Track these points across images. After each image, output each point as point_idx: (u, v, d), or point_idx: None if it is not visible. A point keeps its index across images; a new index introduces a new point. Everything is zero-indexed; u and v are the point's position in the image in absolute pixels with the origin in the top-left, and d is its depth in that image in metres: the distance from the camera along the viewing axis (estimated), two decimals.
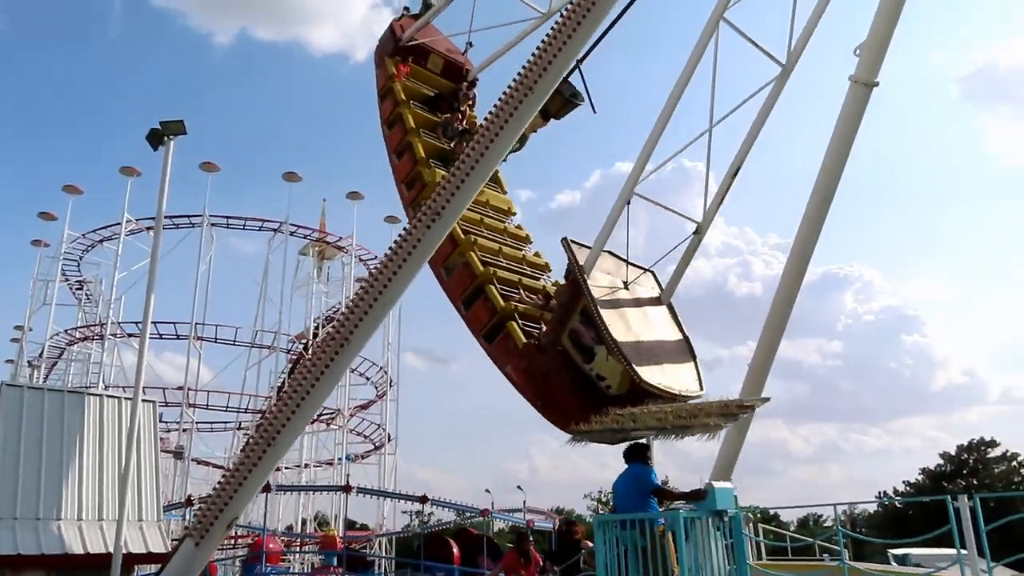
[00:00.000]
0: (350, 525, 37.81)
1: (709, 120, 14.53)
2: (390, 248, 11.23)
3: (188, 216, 35.75)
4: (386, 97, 17.74)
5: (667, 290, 14.26)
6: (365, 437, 40.64)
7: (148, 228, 36.35)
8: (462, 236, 14.92)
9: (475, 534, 21.62)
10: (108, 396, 15.35)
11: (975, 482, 49.58)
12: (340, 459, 36.38)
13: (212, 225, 35.87)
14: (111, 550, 13.40)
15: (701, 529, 8.39)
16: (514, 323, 13.65)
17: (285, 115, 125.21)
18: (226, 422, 38.28)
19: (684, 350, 13.32)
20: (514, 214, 17.46)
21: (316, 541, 26.30)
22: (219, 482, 11.26)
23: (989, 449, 50.96)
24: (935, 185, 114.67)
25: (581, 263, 12.74)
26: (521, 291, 14.81)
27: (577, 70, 14.53)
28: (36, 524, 13.05)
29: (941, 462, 51.51)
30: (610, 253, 13.49)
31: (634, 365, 11.68)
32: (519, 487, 26.66)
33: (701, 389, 12.44)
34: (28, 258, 40.88)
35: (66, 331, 36.74)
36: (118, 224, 35.52)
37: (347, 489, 20.28)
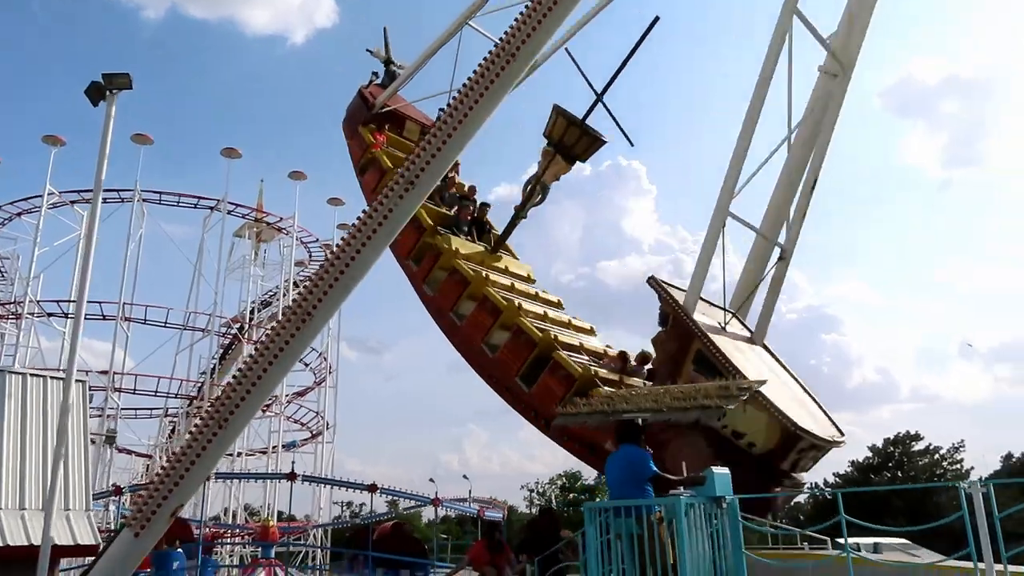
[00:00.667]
0: (277, 516, 36.56)
1: (787, 127, 13.37)
2: (363, 214, 10.33)
3: (118, 190, 33.65)
4: (368, 168, 16.41)
5: (759, 329, 12.92)
6: (302, 425, 39.24)
7: (72, 202, 34.21)
8: (504, 303, 13.33)
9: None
10: (32, 374, 13.96)
11: (899, 474, 51.34)
12: (275, 447, 35.00)
13: (144, 200, 33.90)
14: (35, 542, 12.17)
15: (697, 517, 7.96)
16: (600, 391, 11.50)
17: (220, 95, 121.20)
18: (152, 408, 36.37)
19: (803, 393, 12.17)
20: (534, 281, 16.28)
21: (250, 532, 24.99)
22: (162, 468, 10.19)
23: (913, 443, 52.81)
24: (860, 192, 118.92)
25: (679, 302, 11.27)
26: (585, 354, 13.21)
27: (600, 103, 13.82)
28: None
29: (869, 454, 53.12)
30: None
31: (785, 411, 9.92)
32: (465, 476, 25.92)
33: (842, 435, 11.26)
34: None
35: None
36: (39, 196, 33.22)
37: (292, 477, 19.17)
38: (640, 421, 8.46)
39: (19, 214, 35.03)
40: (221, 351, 38.50)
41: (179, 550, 15.20)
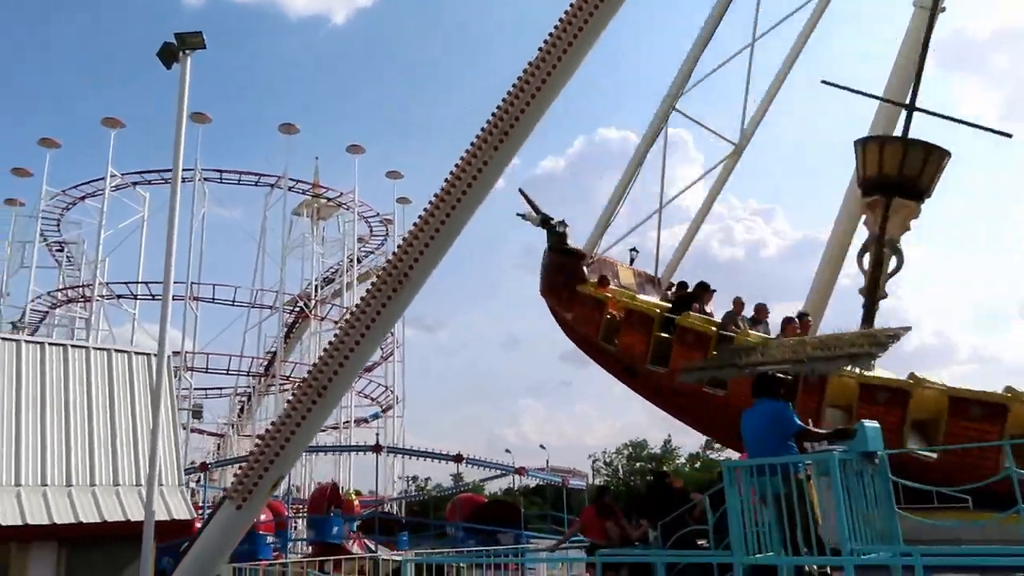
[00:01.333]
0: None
1: (753, 32, 15.16)
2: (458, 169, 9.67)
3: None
4: (623, 328, 12.72)
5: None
6: (373, 400, 39.28)
7: (134, 183, 34.43)
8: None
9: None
10: (117, 351, 13.77)
11: None
12: (347, 422, 35.12)
13: (204, 180, 33.96)
14: (131, 517, 11.99)
15: (849, 473, 7.20)
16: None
17: (269, 75, 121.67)
18: (222, 388, 36.75)
19: None
20: None
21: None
22: (260, 440, 9.83)
23: None
24: None
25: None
26: None
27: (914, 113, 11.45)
28: (43, 491, 11.57)
29: None
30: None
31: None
32: (542, 446, 25.39)
33: None
34: (3, 218, 38.76)
35: (48, 293, 34.84)
36: (101, 179, 33.53)
37: (377, 449, 18.85)
38: (776, 374, 7.72)
39: (83, 198, 35.46)
40: (286, 329, 38.69)
41: (338, 516, 15.25)
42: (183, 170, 34.18)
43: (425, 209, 10.01)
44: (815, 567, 6.94)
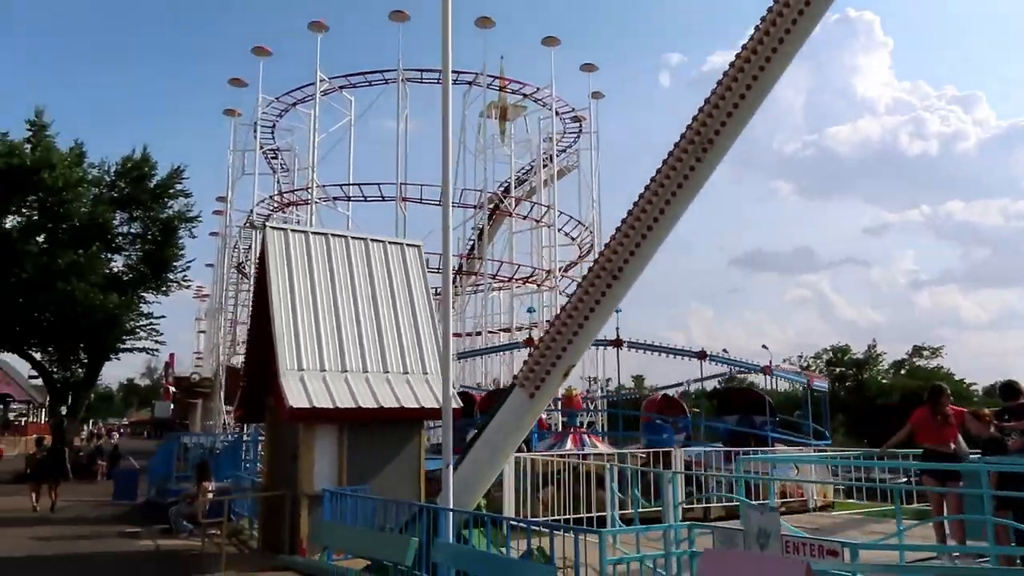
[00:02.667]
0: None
1: None
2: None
3: (382, 71, 34.01)
4: None
5: None
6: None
7: (341, 87, 35.11)
8: None
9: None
10: (373, 240, 13.78)
11: None
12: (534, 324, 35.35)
13: (407, 80, 34.01)
14: (405, 404, 12.09)
15: None
16: None
17: None
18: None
19: None
20: None
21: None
22: (552, 326, 9.27)
23: None
24: None
25: None
26: None
27: None
28: (323, 376, 11.85)
29: None
30: None
31: None
32: (764, 346, 23.99)
33: None
34: (225, 128, 41.22)
35: (271, 197, 36.87)
36: (310, 85, 34.46)
37: (618, 344, 18.25)
38: None
39: (294, 104, 36.76)
40: (479, 229, 39.03)
41: (666, 424, 15.26)
42: (385, 71, 34.15)
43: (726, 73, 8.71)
44: None
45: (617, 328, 18.19)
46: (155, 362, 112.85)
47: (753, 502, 11.70)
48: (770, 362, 18.74)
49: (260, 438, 20.41)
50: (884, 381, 57.30)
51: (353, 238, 13.66)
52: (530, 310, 38.42)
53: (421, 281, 13.80)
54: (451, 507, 8.58)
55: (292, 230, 13.21)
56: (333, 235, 13.49)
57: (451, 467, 8.80)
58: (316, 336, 12.18)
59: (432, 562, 8.14)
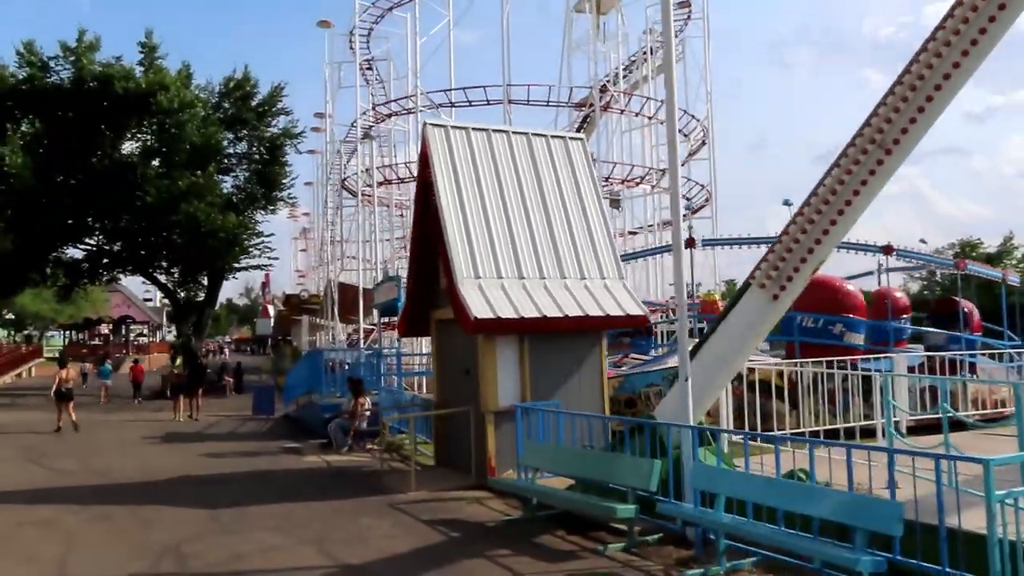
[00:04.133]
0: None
1: None
2: None
3: None
4: None
5: None
6: (687, 199, 37.19)
7: None
8: None
9: None
10: (535, 135, 12.53)
11: None
12: (654, 224, 33.79)
13: None
14: (588, 312, 11.07)
15: None
16: None
17: None
18: None
19: None
20: None
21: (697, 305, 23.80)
22: (798, 219, 7.91)
23: None
24: None
25: None
26: None
27: None
28: (500, 284, 10.88)
29: None
30: None
31: None
32: (923, 240, 22.11)
33: None
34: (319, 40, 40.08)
35: (374, 108, 35.87)
36: None
37: (889, 251, 16.13)
38: None
39: (391, 8, 35.21)
40: (577, 124, 37.36)
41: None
42: None
43: None
44: None
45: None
46: (251, 282, 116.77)
47: None
48: (961, 256, 16.87)
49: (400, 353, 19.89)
50: None
51: (514, 132, 12.45)
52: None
53: (589, 178, 12.53)
54: (691, 423, 7.58)
55: (452, 127, 12.08)
56: (495, 130, 12.30)
57: (688, 380, 7.74)
58: (489, 241, 11.18)
59: (688, 487, 7.21)
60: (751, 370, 11.48)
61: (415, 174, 31.41)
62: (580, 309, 11.01)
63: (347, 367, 19.21)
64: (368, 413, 14.96)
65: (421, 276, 12.33)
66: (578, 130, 37.42)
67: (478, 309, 10.37)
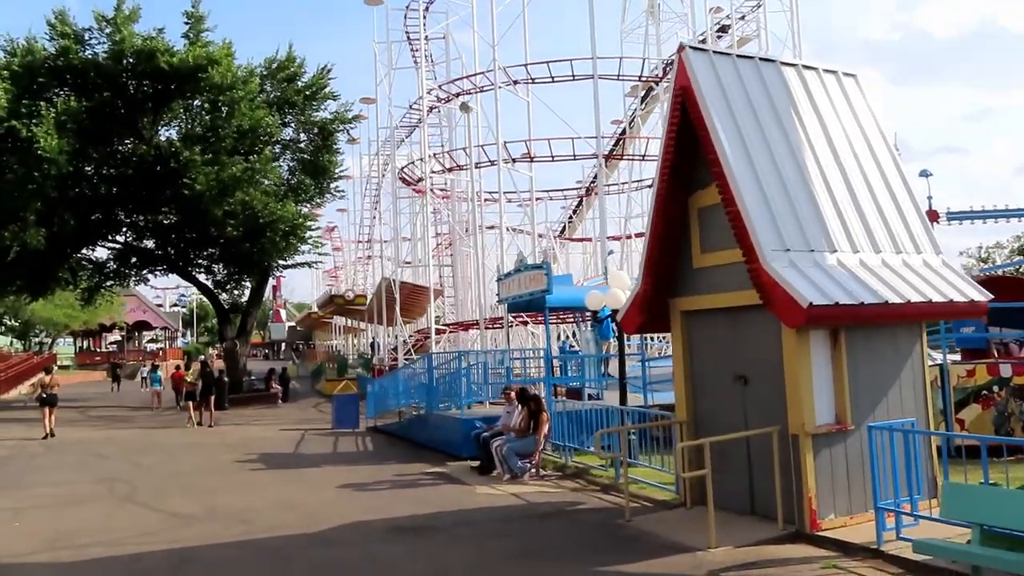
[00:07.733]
0: None
1: None
2: None
3: None
4: None
5: None
6: None
7: None
8: None
9: None
10: (806, 67, 9.53)
11: None
12: None
13: None
14: (932, 298, 8.11)
15: None
16: None
17: None
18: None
19: None
20: None
21: None
22: None
23: None
24: None
25: None
26: None
27: None
28: (813, 258, 7.90)
29: None
30: None
31: None
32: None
33: None
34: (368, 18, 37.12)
35: (440, 87, 32.90)
36: None
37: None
38: None
39: None
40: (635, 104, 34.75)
41: None
42: None
43: None
44: None
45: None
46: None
47: None
48: None
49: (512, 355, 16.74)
50: None
51: (783, 64, 9.48)
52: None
53: (874, 124, 9.59)
54: None
55: (715, 52, 9.08)
56: (762, 59, 9.33)
57: None
58: (789, 203, 8.23)
59: None
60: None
61: (492, 158, 28.98)
62: (919, 293, 8.04)
63: (500, 374, 16.23)
64: (547, 431, 12.00)
65: (666, 254, 9.33)
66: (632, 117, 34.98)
67: (809, 293, 7.39)
